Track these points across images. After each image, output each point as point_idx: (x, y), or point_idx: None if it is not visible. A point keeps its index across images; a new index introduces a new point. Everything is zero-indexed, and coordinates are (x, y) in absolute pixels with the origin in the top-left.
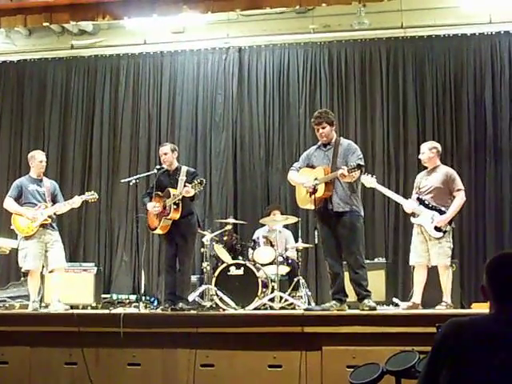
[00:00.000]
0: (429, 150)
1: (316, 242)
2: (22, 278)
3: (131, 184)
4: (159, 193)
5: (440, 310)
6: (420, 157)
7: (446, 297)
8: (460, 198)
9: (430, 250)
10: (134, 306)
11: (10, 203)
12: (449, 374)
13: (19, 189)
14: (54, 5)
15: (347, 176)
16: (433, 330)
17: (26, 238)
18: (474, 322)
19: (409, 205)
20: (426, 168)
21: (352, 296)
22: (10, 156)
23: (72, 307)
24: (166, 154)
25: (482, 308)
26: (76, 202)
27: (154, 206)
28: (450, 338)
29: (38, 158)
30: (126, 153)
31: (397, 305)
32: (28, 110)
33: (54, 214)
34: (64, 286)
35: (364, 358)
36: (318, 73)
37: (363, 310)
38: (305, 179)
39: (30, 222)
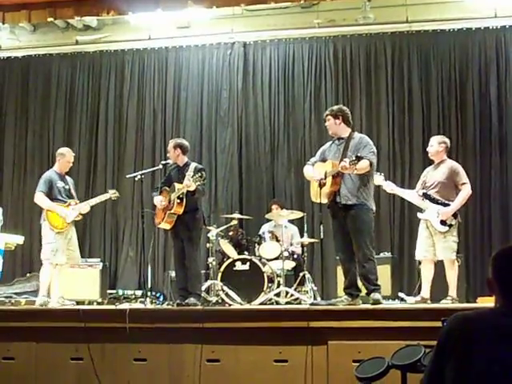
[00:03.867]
0: (438, 144)
1: (321, 236)
2: (28, 274)
3: (136, 179)
4: (167, 188)
5: (445, 304)
6: (428, 149)
7: (452, 291)
8: (465, 192)
9: (436, 245)
10: (140, 302)
11: (42, 198)
12: (454, 367)
13: (50, 184)
14: (59, 0)
15: (349, 168)
16: (438, 324)
17: (58, 233)
18: (479, 315)
19: (411, 196)
20: (431, 161)
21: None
22: (15, 152)
23: (78, 303)
24: (168, 151)
25: (487, 302)
26: (103, 197)
27: (160, 200)
28: (456, 332)
29: (66, 158)
30: (131, 148)
31: (402, 299)
32: (33, 106)
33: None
34: (70, 282)
35: (370, 353)
36: (323, 68)
37: (370, 303)
38: (316, 173)
39: (63, 218)
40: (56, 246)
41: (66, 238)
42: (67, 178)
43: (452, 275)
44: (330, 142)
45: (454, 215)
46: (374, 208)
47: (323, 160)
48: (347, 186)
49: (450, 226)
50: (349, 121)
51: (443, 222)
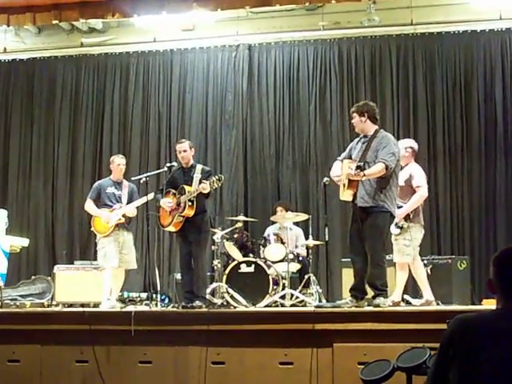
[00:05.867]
0: (404, 149)
1: (327, 238)
2: (33, 277)
3: (142, 182)
4: (173, 190)
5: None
6: None
7: (395, 295)
8: (418, 195)
9: (393, 247)
10: (145, 304)
11: (90, 206)
12: (458, 369)
13: (98, 191)
14: (64, 2)
15: (355, 176)
16: (443, 326)
17: (105, 237)
18: (481, 317)
19: None
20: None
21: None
22: (20, 154)
23: (83, 305)
24: (185, 151)
25: (492, 304)
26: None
27: (167, 202)
28: (457, 334)
29: (116, 162)
30: (136, 150)
31: (408, 302)
32: (38, 109)
33: (124, 215)
34: (75, 284)
35: (375, 355)
36: (327, 70)
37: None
38: (340, 171)
39: (106, 222)
40: (105, 250)
41: (115, 241)
42: (126, 183)
43: (420, 278)
44: (358, 139)
45: (406, 218)
46: (393, 210)
47: (350, 157)
48: (365, 188)
49: (401, 228)
50: (375, 117)
51: (397, 225)
